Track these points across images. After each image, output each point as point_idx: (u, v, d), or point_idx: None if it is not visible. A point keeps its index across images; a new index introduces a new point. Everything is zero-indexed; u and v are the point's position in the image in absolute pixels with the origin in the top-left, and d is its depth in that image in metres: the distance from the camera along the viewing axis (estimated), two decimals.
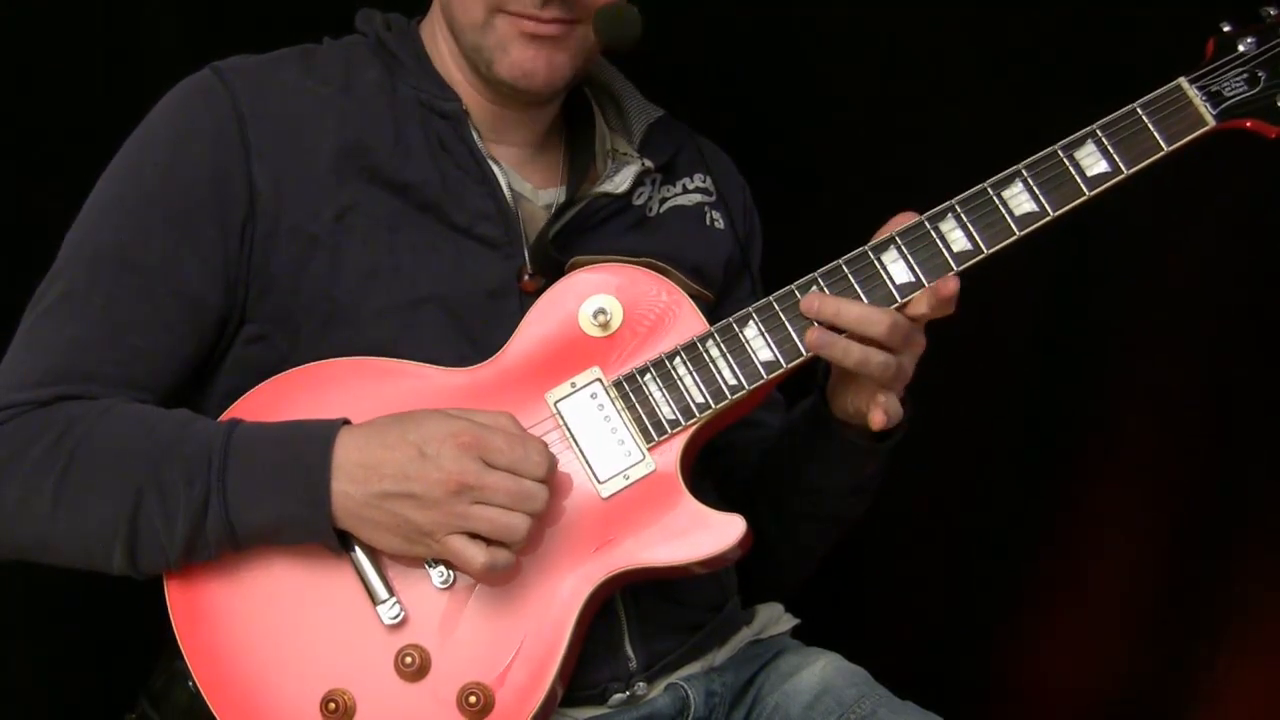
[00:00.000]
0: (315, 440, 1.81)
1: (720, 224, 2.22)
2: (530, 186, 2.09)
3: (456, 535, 1.77)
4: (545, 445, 1.81)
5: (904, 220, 1.94)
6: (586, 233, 2.06)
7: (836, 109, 2.81)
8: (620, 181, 2.08)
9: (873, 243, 1.94)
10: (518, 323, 1.95)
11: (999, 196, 1.94)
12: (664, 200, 2.17)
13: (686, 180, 2.20)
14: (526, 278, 1.99)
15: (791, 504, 2.16)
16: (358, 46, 2.09)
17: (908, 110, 2.79)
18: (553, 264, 2.00)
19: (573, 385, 1.92)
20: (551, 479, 1.81)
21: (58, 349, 1.88)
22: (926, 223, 1.93)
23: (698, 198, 2.21)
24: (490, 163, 2.02)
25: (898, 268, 1.93)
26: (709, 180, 2.23)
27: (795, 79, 2.82)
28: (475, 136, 2.03)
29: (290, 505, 1.80)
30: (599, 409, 1.91)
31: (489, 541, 1.78)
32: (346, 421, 1.83)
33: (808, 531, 2.22)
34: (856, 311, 1.90)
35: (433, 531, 1.78)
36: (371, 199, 1.96)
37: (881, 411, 1.95)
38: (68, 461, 1.81)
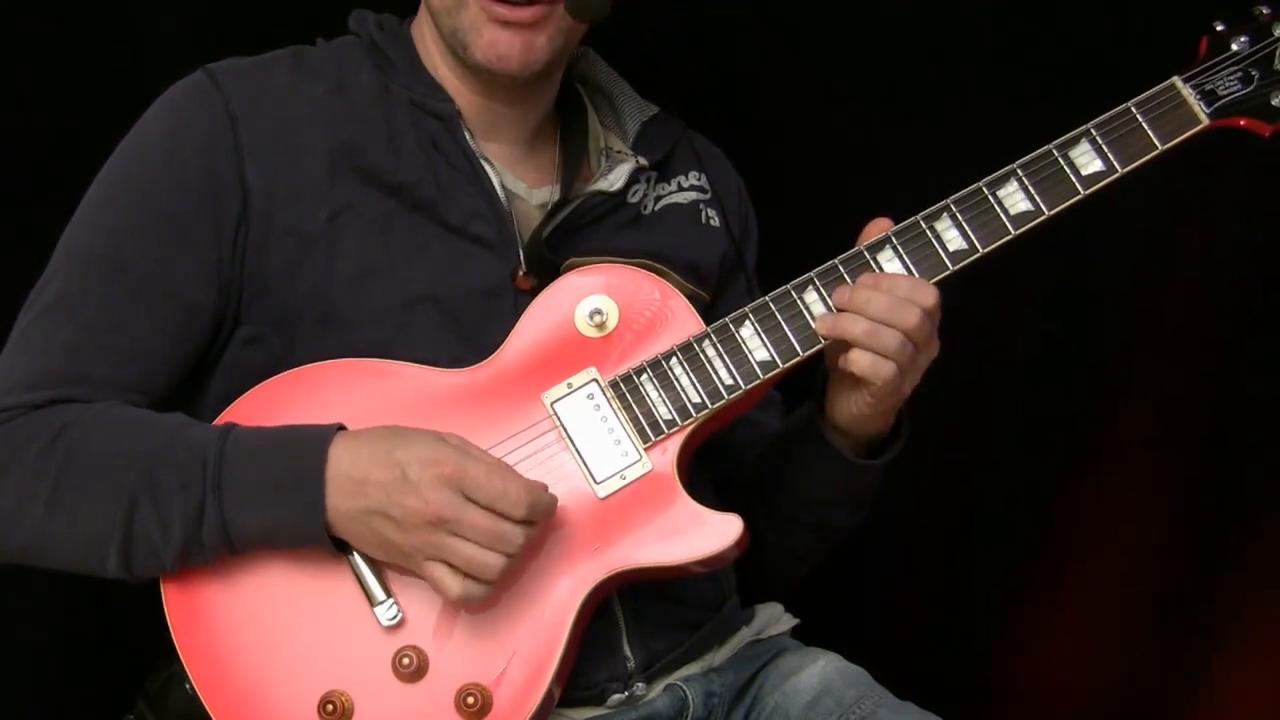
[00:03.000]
0: (309, 450, 1.80)
1: (715, 222, 2.22)
2: (524, 185, 2.09)
3: (434, 562, 1.77)
4: (529, 485, 1.78)
5: (880, 226, 1.95)
6: (580, 231, 2.06)
7: (835, 108, 2.81)
8: (614, 180, 2.08)
9: (868, 242, 1.94)
10: (513, 322, 1.95)
11: (994, 195, 1.94)
12: (659, 198, 2.17)
13: (681, 178, 2.20)
14: (521, 275, 1.99)
15: (784, 509, 2.15)
16: (351, 47, 2.09)
17: (906, 110, 2.80)
18: (547, 263, 2.00)
19: (569, 386, 1.92)
20: (536, 516, 1.79)
21: (52, 352, 1.89)
22: (922, 222, 1.94)
23: (692, 195, 2.20)
24: (483, 162, 2.02)
25: (893, 267, 1.93)
26: (704, 178, 2.22)
27: (794, 77, 2.82)
28: (468, 136, 2.02)
29: (286, 515, 1.80)
30: (595, 409, 1.91)
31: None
32: (341, 427, 1.83)
33: (800, 537, 2.20)
34: (897, 294, 1.89)
35: (411, 554, 1.78)
36: (365, 200, 1.96)
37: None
38: (61, 466, 1.81)
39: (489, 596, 1.80)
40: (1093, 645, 2.91)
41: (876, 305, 1.89)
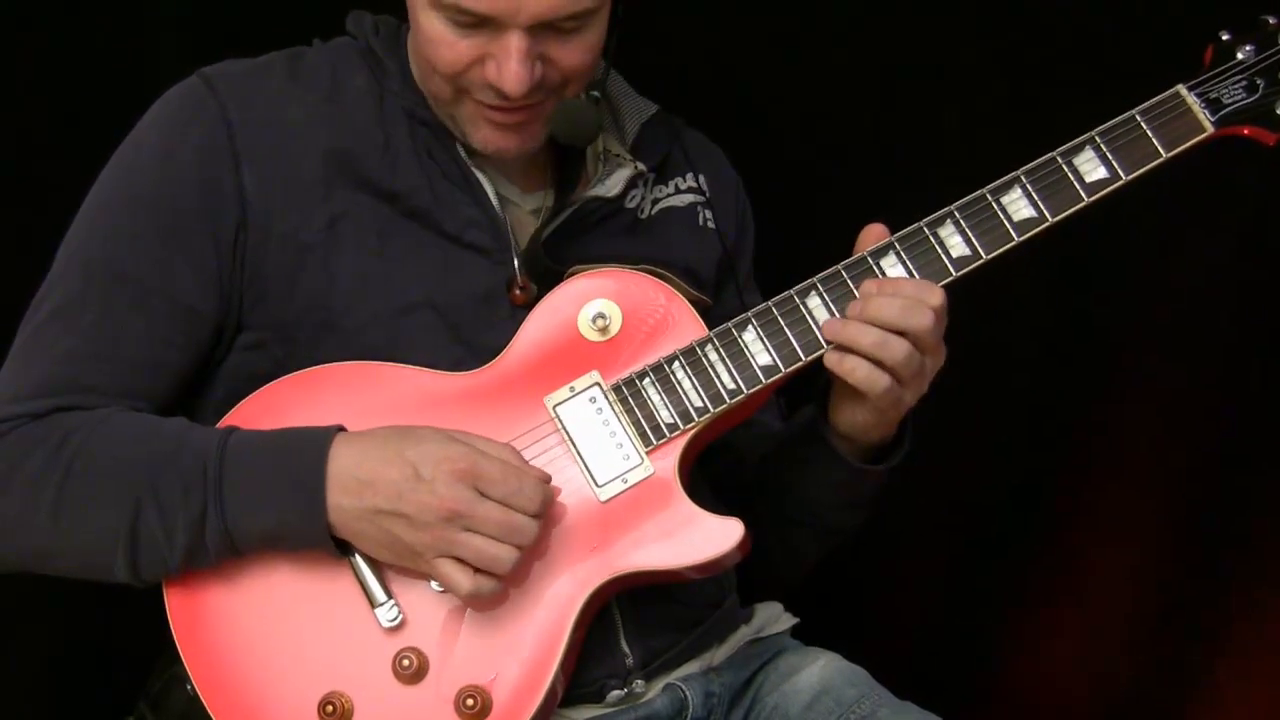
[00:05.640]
0: (309, 450, 1.81)
1: (713, 224, 2.20)
2: (518, 190, 2.08)
3: (444, 559, 1.78)
4: (542, 480, 1.81)
5: (875, 232, 1.95)
6: (577, 237, 2.04)
7: (837, 110, 2.81)
8: (612, 185, 2.06)
9: (872, 248, 1.94)
10: (512, 327, 1.95)
11: (998, 202, 1.94)
12: (655, 201, 2.15)
13: (679, 179, 2.19)
14: (518, 291, 1.99)
15: (785, 510, 2.15)
16: (346, 51, 2.07)
17: (908, 113, 2.79)
18: (544, 270, 1.99)
19: (571, 389, 1.92)
20: (547, 511, 1.81)
21: (53, 361, 1.89)
22: (925, 228, 1.94)
23: (690, 198, 2.19)
24: (475, 172, 2.01)
25: (896, 273, 1.93)
26: (701, 178, 2.20)
27: (796, 79, 2.81)
28: (459, 145, 2.02)
29: (287, 516, 1.80)
30: (598, 413, 1.92)
31: (476, 568, 1.78)
32: (341, 428, 1.84)
33: (799, 538, 2.20)
34: (899, 305, 1.89)
35: (421, 552, 1.79)
36: (361, 206, 1.96)
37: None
38: (65, 472, 1.81)
39: (497, 593, 1.80)
40: (1094, 646, 2.91)
41: (889, 312, 1.88)
